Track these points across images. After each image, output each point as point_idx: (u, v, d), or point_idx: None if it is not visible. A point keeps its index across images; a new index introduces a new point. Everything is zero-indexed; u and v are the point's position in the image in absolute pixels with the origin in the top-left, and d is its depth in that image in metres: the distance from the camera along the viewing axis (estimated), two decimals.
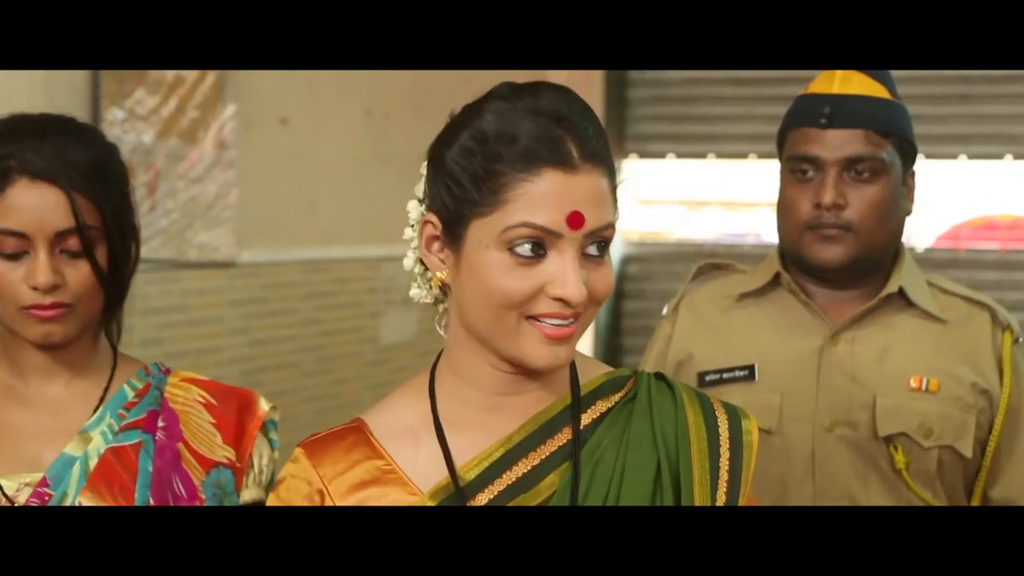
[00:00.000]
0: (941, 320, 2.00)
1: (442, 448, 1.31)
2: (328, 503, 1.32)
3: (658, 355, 2.10)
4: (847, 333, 1.99)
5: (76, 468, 1.56)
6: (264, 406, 1.68)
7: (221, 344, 4.04)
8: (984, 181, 6.03)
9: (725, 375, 2.02)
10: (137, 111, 3.61)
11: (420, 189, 1.35)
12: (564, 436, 1.33)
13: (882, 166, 1.95)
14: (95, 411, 1.60)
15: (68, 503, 1.54)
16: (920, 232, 6.07)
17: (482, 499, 1.29)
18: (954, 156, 5.99)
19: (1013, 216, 6.10)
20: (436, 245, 1.31)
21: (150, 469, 1.57)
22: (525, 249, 1.24)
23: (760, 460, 1.98)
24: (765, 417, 1.98)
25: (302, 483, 1.34)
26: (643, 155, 6.53)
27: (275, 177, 4.27)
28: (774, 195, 2.04)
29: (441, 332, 1.38)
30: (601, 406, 1.36)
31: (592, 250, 1.26)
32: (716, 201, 6.55)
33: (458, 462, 1.31)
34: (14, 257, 1.51)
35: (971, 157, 5.99)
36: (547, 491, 1.30)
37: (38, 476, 1.55)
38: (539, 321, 1.25)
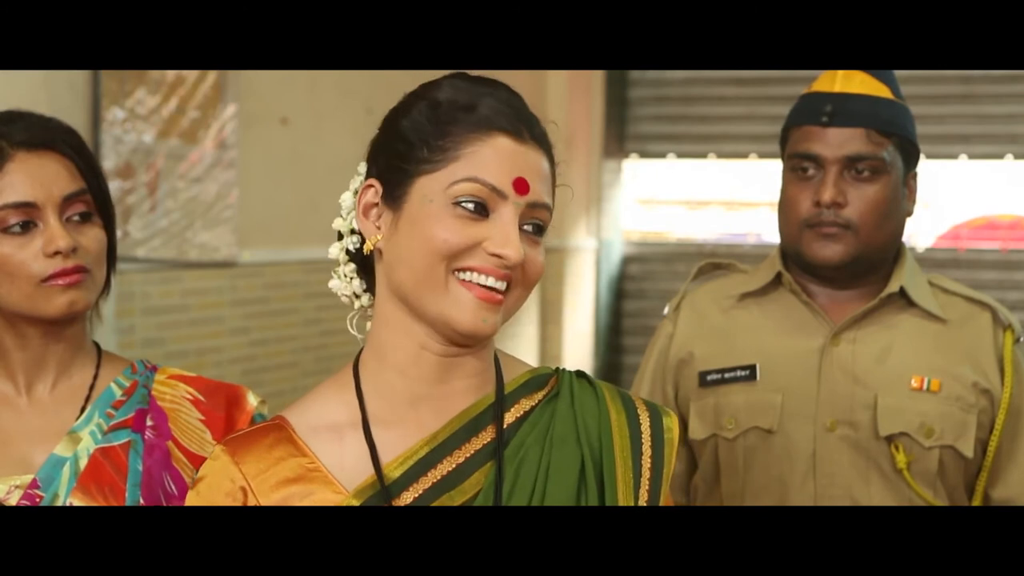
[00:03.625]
0: (942, 320, 2.00)
1: (369, 447, 1.31)
2: (251, 500, 1.30)
3: (659, 354, 2.10)
4: (848, 333, 1.99)
5: (66, 469, 1.55)
6: (253, 400, 1.67)
7: (222, 344, 4.04)
8: (985, 181, 6.04)
9: (726, 375, 2.02)
10: (137, 111, 3.61)
11: (355, 182, 1.38)
12: (488, 434, 1.33)
13: (882, 165, 1.95)
14: (82, 410, 1.59)
15: (59, 504, 1.53)
16: (921, 232, 6.07)
17: (407, 497, 1.29)
18: (955, 156, 5.99)
19: (1013, 216, 6.10)
20: (374, 212, 1.33)
21: (140, 468, 1.57)
22: (469, 207, 1.26)
23: (761, 460, 1.99)
24: (766, 416, 1.98)
25: (223, 480, 1.32)
26: (643, 155, 6.53)
27: (275, 177, 4.27)
28: (775, 195, 2.04)
29: (352, 331, 1.39)
30: (525, 404, 1.36)
31: (528, 228, 1.29)
32: (716, 201, 6.56)
33: (382, 459, 1.30)
34: (22, 231, 1.51)
35: (972, 157, 6.00)
36: (472, 489, 1.30)
37: (28, 478, 1.54)
38: (470, 278, 1.26)
